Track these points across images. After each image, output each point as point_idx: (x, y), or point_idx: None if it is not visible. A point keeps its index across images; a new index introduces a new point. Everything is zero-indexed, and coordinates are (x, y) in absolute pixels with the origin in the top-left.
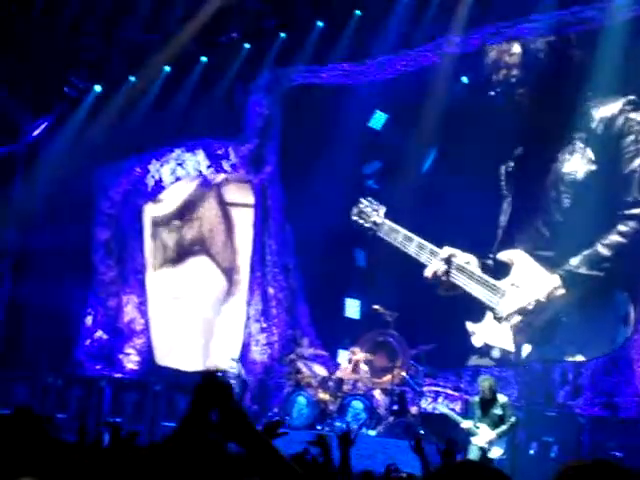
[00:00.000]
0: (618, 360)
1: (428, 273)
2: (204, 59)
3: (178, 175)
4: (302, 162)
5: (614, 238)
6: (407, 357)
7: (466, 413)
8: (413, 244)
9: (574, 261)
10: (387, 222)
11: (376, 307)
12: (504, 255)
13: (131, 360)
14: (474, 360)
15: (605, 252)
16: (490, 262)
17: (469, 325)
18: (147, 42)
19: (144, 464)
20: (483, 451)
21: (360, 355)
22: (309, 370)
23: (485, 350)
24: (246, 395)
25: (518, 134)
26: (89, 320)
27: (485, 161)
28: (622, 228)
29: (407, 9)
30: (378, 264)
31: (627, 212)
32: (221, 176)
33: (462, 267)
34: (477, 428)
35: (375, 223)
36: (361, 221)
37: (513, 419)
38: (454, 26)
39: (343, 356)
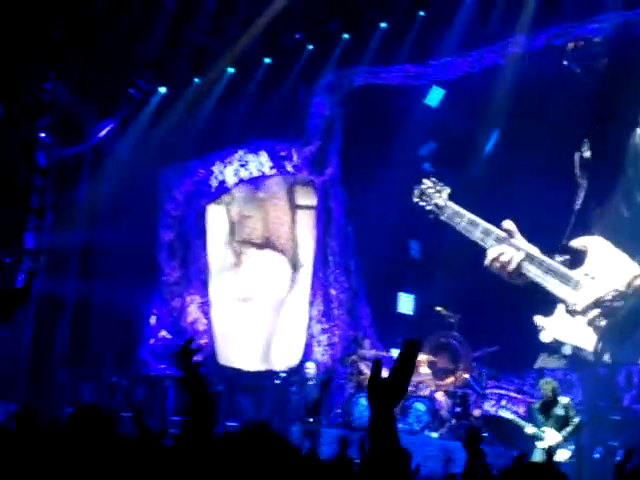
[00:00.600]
0: None
1: (489, 263)
2: (268, 60)
3: (241, 176)
4: (364, 164)
5: None
6: (470, 359)
7: (528, 417)
8: (478, 229)
9: None
10: (451, 205)
11: (439, 308)
12: (578, 242)
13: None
14: (543, 359)
15: None
16: (559, 257)
17: (538, 319)
18: (211, 44)
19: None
20: (549, 454)
21: (422, 357)
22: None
23: (555, 347)
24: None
25: (590, 113)
26: (153, 320)
27: (554, 141)
28: None
29: (471, 10)
30: (434, 256)
31: None
32: (284, 177)
33: (531, 255)
34: (543, 432)
35: (437, 206)
36: (423, 203)
37: (577, 419)
38: (519, 26)
39: (396, 354)
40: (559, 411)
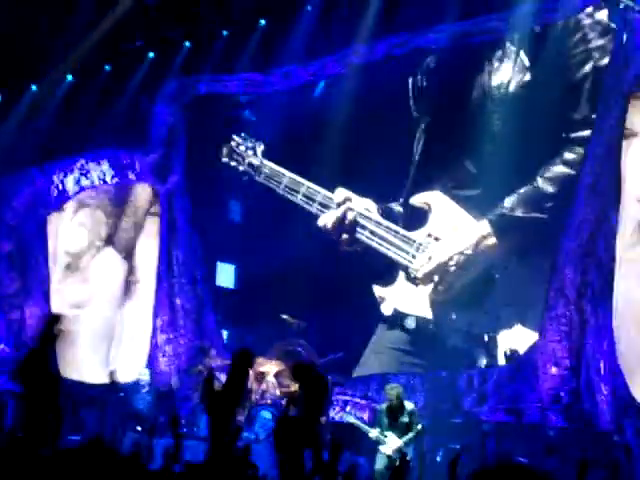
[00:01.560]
0: (522, 366)
1: (324, 223)
2: (108, 68)
3: (82, 185)
4: (208, 171)
5: (559, 169)
6: (316, 366)
7: (374, 421)
8: (301, 191)
9: (508, 202)
10: (267, 163)
11: (285, 317)
12: (418, 199)
13: None
14: (382, 331)
15: (548, 188)
16: (399, 208)
17: (377, 290)
18: (49, 50)
19: None
20: (391, 459)
21: (268, 366)
22: (217, 381)
23: (397, 319)
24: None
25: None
26: None
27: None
28: (568, 156)
29: (313, 18)
30: (257, 219)
31: (574, 135)
32: (128, 185)
33: (365, 215)
34: (385, 437)
35: (252, 165)
36: (234, 163)
37: (419, 426)
38: (360, 36)
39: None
40: (404, 418)
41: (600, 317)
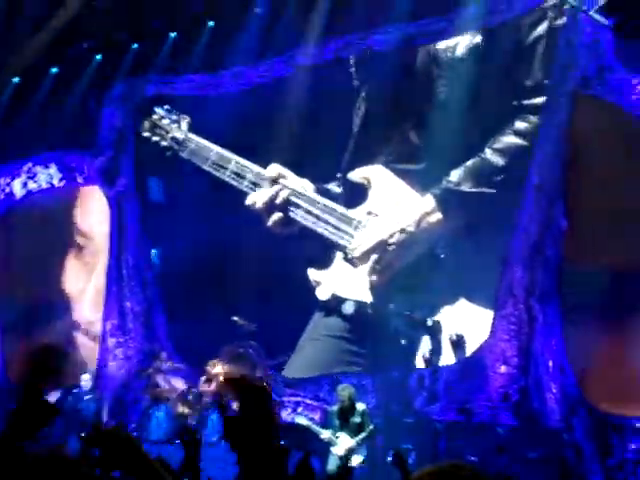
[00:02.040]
0: (472, 365)
1: (253, 201)
2: (55, 70)
3: (29, 188)
4: (159, 177)
5: (509, 140)
6: (266, 367)
7: (325, 422)
8: (230, 167)
9: (454, 175)
10: (194, 137)
11: (235, 318)
12: (357, 174)
13: None
14: (319, 317)
15: (497, 160)
16: (337, 188)
17: (312, 273)
18: None
19: None
20: (343, 460)
21: (219, 368)
22: (168, 384)
23: (334, 305)
24: (103, 410)
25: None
26: None
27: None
28: (520, 125)
29: (262, 19)
30: (181, 198)
31: (526, 102)
32: (75, 189)
33: (300, 193)
34: (337, 438)
35: (175, 140)
36: (156, 138)
37: (371, 427)
38: (307, 37)
39: None
40: (356, 419)
41: (549, 316)
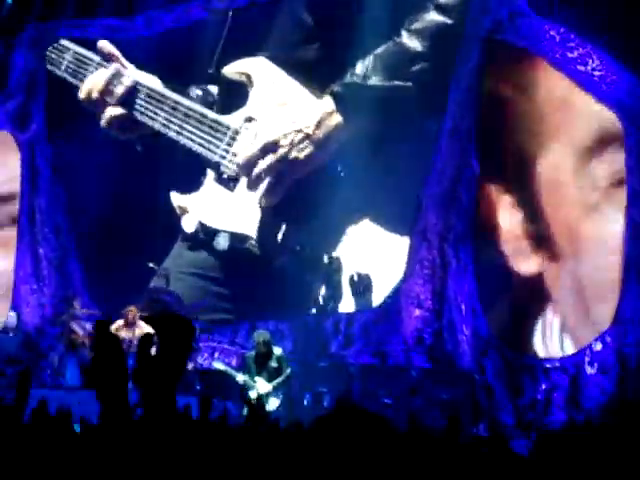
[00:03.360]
0: (388, 309)
1: (89, 88)
2: None
3: None
4: (71, 119)
5: (430, 18)
6: (183, 313)
7: (243, 368)
8: (68, 56)
9: (361, 66)
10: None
11: (151, 265)
12: (234, 68)
13: None
14: (181, 250)
15: (415, 44)
16: (210, 88)
17: (175, 198)
18: None
19: None
20: (260, 403)
21: (136, 313)
22: (83, 330)
23: (203, 237)
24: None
25: None
26: None
27: None
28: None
29: None
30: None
31: None
32: None
33: (153, 89)
34: (254, 382)
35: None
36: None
37: (288, 371)
38: None
39: None
40: (273, 363)
41: (461, 260)
